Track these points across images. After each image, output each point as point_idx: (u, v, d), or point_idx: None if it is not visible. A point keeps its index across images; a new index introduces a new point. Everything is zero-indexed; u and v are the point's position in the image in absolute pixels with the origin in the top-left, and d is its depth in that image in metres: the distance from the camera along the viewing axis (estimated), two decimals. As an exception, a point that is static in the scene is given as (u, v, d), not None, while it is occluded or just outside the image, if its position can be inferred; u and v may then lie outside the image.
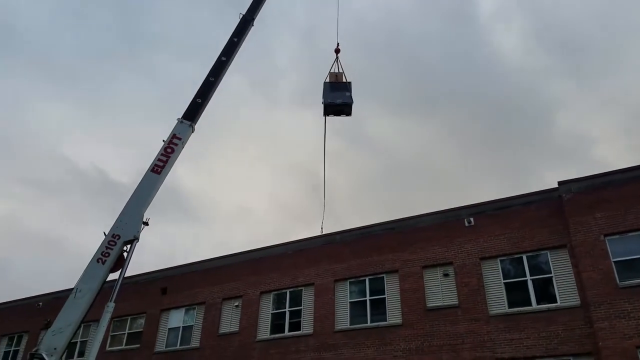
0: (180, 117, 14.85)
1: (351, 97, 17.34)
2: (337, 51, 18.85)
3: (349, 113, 17.48)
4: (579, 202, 16.60)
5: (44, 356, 11.21)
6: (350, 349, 18.44)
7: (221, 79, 16.07)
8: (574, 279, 15.94)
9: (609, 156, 65.08)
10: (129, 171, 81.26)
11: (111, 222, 13.17)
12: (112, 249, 12.66)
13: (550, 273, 16.48)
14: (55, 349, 11.37)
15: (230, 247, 74.91)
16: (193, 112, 15.01)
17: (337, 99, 17.31)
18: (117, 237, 12.82)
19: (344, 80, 17.90)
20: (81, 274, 12.39)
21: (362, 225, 20.87)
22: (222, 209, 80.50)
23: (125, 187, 76.77)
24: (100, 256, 12.54)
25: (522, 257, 17.13)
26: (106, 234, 12.98)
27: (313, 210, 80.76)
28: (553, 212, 17.13)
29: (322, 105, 17.45)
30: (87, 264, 12.62)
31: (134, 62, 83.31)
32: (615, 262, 15.34)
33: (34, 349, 11.37)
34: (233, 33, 16.82)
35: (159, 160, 13.93)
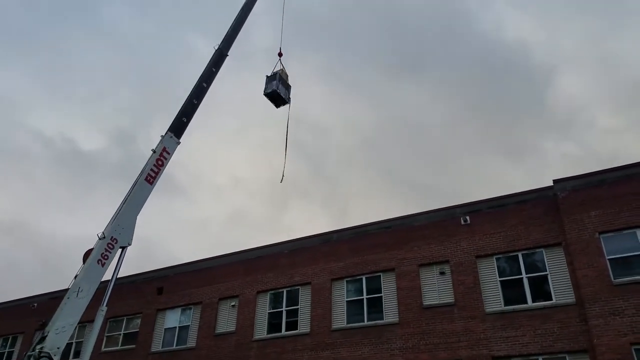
0: (168, 130, 15.43)
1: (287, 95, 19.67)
2: (280, 55, 20.29)
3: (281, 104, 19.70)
4: (574, 200, 16.75)
5: (52, 355, 11.21)
6: (347, 348, 18.50)
7: (202, 99, 16.79)
8: (569, 277, 16.09)
9: (611, 124, 62.62)
10: (97, 137, 79.39)
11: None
12: (110, 252, 13.03)
13: (546, 271, 16.62)
14: (58, 348, 11.44)
15: (214, 224, 73.85)
16: (179, 128, 15.78)
17: (285, 92, 19.46)
18: (114, 241, 13.25)
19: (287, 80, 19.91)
20: (80, 273, 12.61)
21: (358, 224, 20.97)
22: (205, 185, 79.36)
23: (92, 156, 74.68)
24: (100, 257, 12.81)
25: (517, 255, 17.27)
26: (101, 235, 13.16)
27: (302, 177, 79.86)
28: (548, 210, 17.28)
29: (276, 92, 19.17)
30: (85, 264, 12.81)
31: (88, 20, 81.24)
32: (609, 259, 15.50)
33: (39, 347, 11.29)
34: (210, 63, 17.29)
35: (152, 170, 14.67)
